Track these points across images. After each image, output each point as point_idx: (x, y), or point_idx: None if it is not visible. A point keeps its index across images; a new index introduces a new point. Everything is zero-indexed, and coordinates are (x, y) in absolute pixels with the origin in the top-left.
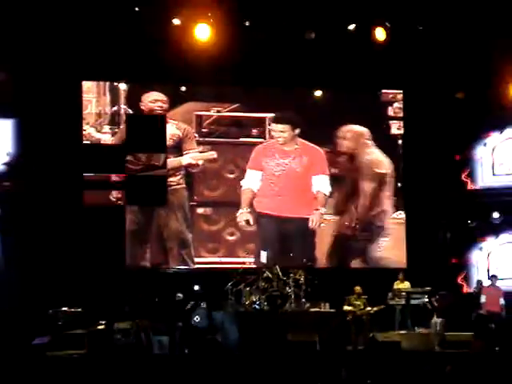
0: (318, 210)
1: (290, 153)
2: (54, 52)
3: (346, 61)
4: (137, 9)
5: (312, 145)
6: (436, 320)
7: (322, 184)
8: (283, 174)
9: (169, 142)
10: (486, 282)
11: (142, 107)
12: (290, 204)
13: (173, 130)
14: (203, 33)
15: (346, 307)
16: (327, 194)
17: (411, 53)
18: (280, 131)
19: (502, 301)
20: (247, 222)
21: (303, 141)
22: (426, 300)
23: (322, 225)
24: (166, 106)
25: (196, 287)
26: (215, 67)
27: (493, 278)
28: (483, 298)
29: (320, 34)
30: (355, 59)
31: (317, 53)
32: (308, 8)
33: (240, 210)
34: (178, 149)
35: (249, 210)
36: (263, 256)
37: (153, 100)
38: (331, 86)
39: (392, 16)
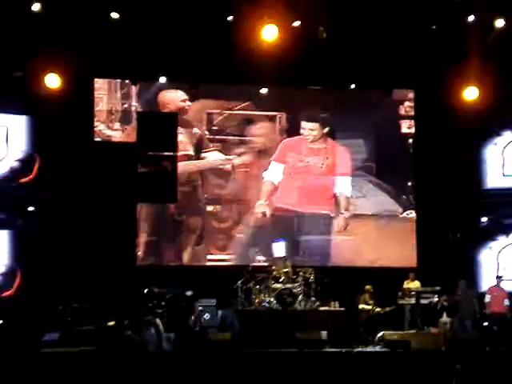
0: (342, 213)
1: (316, 151)
2: (69, 49)
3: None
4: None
5: (341, 146)
6: (445, 319)
7: (344, 186)
8: (305, 170)
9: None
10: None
11: (168, 106)
12: (306, 200)
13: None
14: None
15: (362, 306)
16: (349, 195)
17: (422, 52)
18: (310, 129)
19: (506, 302)
20: (264, 214)
21: (333, 141)
22: (436, 299)
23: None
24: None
25: (188, 292)
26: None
27: (498, 278)
28: (487, 298)
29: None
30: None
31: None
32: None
33: (258, 202)
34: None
35: (267, 202)
36: (279, 248)
37: (183, 99)
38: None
39: (404, 16)
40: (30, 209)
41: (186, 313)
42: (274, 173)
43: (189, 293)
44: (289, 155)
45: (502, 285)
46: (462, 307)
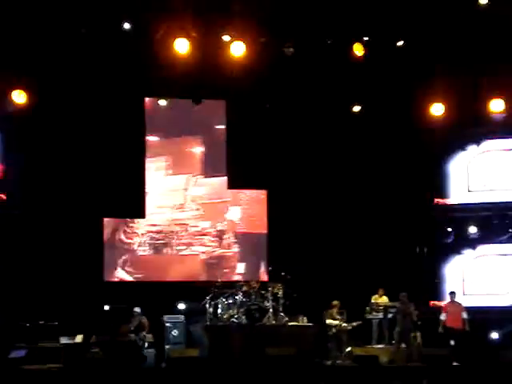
0: None
1: None
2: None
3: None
4: None
5: None
6: (415, 334)
7: None
8: None
9: None
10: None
11: None
12: None
13: None
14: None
15: (329, 321)
16: None
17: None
18: None
19: (464, 315)
20: None
21: None
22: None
23: None
24: None
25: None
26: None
27: (451, 294)
28: (443, 316)
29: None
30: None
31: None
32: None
33: None
34: None
35: None
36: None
37: None
38: None
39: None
40: None
41: (117, 326)
42: None
43: (137, 309)
44: None
45: (457, 299)
46: (402, 321)
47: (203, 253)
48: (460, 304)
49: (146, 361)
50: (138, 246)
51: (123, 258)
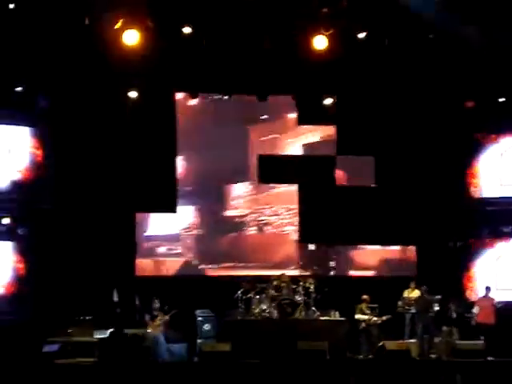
0: None
1: None
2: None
3: None
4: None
5: None
6: (448, 328)
7: None
8: None
9: None
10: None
11: None
12: None
13: None
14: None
15: (358, 316)
16: None
17: (419, 61)
18: None
19: (495, 311)
20: None
21: None
22: (437, 308)
23: None
24: None
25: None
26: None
27: (487, 289)
28: (476, 309)
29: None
30: None
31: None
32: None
33: None
34: None
35: None
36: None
37: None
38: None
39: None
40: (31, 221)
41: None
42: None
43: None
44: None
45: (491, 295)
46: (420, 314)
47: None
48: (493, 299)
49: (154, 356)
50: None
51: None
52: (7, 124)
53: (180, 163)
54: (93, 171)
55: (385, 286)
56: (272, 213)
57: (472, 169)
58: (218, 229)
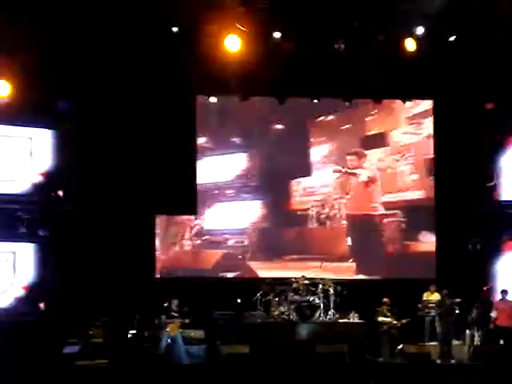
0: None
1: None
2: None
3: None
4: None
5: None
6: (471, 332)
7: None
8: None
9: None
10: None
11: None
12: None
13: None
14: (233, 44)
15: (380, 318)
16: None
17: (441, 63)
18: None
19: None
20: None
21: None
22: (457, 311)
23: None
24: None
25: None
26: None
27: (503, 292)
28: (494, 313)
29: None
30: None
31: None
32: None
33: None
34: None
35: None
36: None
37: None
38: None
39: (423, 26)
40: (52, 223)
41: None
42: None
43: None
44: None
45: (509, 298)
46: (442, 318)
47: None
48: (510, 302)
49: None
50: None
51: None
52: (29, 126)
53: (244, 160)
54: (113, 173)
55: (404, 289)
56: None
57: (492, 171)
58: (282, 223)
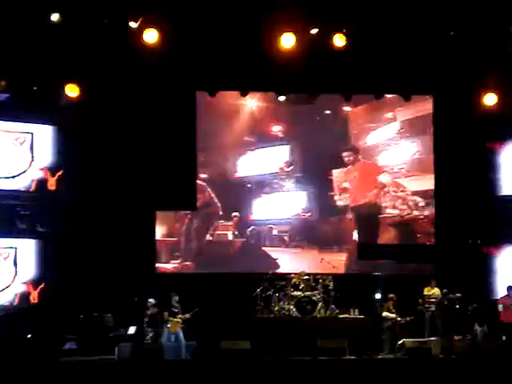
0: None
1: None
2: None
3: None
4: None
5: None
6: (478, 327)
7: None
8: None
9: None
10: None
11: None
12: None
13: None
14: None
15: (385, 313)
16: None
17: (442, 58)
18: None
19: None
20: None
21: None
22: (456, 306)
23: None
24: None
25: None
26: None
27: (509, 288)
28: (500, 307)
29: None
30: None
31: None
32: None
33: None
34: None
35: None
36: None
37: None
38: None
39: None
40: (52, 219)
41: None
42: None
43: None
44: None
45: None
46: (441, 313)
47: None
48: None
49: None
50: None
51: None
52: (29, 122)
53: (287, 152)
54: (114, 169)
55: (404, 284)
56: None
57: (493, 166)
58: (324, 213)
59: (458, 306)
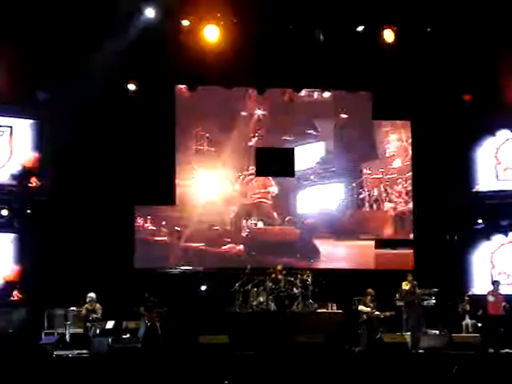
0: None
1: None
2: None
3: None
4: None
5: None
6: (468, 322)
7: None
8: None
9: None
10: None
11: None
12: None
13: None
14: (212, 34)
15: (361, 307)
16: None
17: (417, 55)
18: None
19: (504, 303)
20: None
21: None
22: (433, 301)
23: None
24: None
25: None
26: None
27: (495, 283)
28: (491, 298)
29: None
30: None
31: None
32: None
33: None
34: None
35: None
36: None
37: None
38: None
39: (400, 18)
40: (29, 213)
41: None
42: None
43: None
44: None
45: (500, 288)
46: (408, 307)
47: None
48: (502, 294)
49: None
50: None
51: None
52: (8, 117)
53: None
54: (92, 164)
55: (382, 280)
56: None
57: (469, 163)
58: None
59: (434, 301)
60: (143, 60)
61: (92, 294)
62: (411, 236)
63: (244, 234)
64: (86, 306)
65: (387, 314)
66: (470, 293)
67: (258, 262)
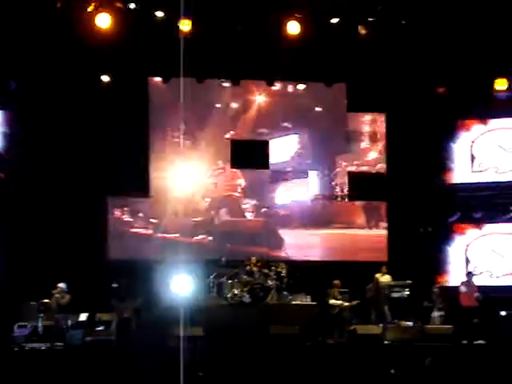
0: None
1: None
2: None
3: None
4: None
5: None
6: (435, 314)
7: None
8: None
9: None
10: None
11: None
12: None
13: None
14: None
15: (332, 301)
16: None
17: (392, 47)
18: None
19: (476, 294)
20: None
21: None
22: (407, 293)
23: None
24: None
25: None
26: None
27: (469, 274)
28: (463, 288)
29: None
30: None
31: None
32: None
33: None
34: None
35: None
36: None
37: None
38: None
39: (375, 11)
40: None
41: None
42: None
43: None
44: None
45: (474, 279)
46: (372, 300)
47: None
48: (475, 285)
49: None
50: None
51: None
52: None
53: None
54: (64, 156)
55: (356, 271)
56: None
57: (443, 155)
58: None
59: (408, 293)
60: (117, 51)
61: (62, 284)
62: (384, 225)
63: (216, 225)
64: (56, 296)
65: (354, 303)
66: (438, 285)
67: (232, 252)
